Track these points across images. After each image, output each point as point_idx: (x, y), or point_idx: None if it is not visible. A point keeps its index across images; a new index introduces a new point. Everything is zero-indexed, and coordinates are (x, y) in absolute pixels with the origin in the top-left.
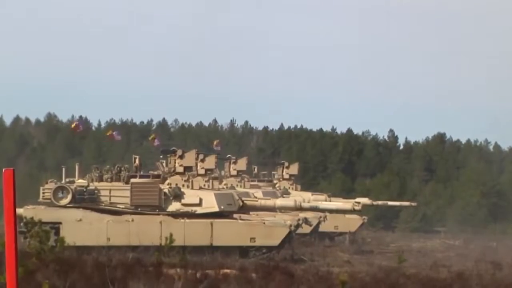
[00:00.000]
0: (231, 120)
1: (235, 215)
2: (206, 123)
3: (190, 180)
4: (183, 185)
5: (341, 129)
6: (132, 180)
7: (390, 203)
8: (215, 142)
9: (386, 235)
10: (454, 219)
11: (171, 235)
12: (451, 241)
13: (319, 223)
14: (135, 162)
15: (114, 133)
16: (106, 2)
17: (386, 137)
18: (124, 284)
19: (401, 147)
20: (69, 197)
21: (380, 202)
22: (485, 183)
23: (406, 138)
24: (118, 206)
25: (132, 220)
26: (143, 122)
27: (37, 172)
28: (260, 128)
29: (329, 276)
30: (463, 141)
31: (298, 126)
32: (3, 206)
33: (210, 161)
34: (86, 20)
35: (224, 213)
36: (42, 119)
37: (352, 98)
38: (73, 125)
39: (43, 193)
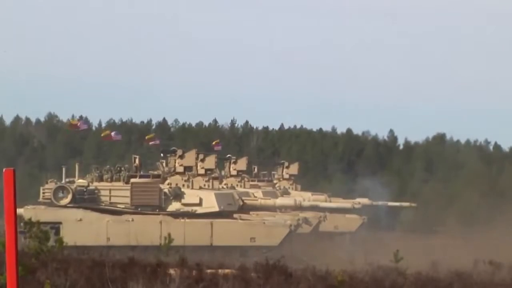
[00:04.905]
0: (231, 120)
1: (235, 215)
2: (206, 123)
3: (190, 180)
4: (183, 185)
5: (341, 129)
6: (132, 180)
7: (390, 203)
8: (214, 142)
9: (386, 235)
10: (454, 219)
11: (169, 235)
12: (451, 241)
13: (319, 223)
14: (135, 162)
15: (112, 133)
16: (104, 2)
17: (386, 137)
18: (123, 284)
19: (401, 147)
20: (69, 197)
21: (380, 202)
22: (485, 183)
23: (406, 138)
24: (118, 206)
25: (132, 220)
26: (143, 122)
27: (37, 172)
28: (260, 128)
29: (328, 276)
30: (463, 141)
31: (298, 126)
32: (3, 206)
33: (210, 161)
34: (86, 19)
35: (224, 213)
36: (42, 119)
37: (352, 98)
38: (71, 122)
39: (43, 193)
